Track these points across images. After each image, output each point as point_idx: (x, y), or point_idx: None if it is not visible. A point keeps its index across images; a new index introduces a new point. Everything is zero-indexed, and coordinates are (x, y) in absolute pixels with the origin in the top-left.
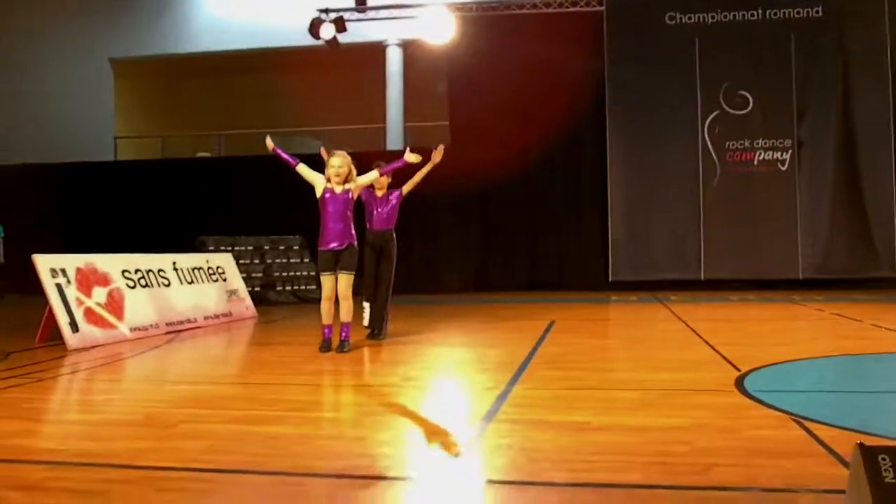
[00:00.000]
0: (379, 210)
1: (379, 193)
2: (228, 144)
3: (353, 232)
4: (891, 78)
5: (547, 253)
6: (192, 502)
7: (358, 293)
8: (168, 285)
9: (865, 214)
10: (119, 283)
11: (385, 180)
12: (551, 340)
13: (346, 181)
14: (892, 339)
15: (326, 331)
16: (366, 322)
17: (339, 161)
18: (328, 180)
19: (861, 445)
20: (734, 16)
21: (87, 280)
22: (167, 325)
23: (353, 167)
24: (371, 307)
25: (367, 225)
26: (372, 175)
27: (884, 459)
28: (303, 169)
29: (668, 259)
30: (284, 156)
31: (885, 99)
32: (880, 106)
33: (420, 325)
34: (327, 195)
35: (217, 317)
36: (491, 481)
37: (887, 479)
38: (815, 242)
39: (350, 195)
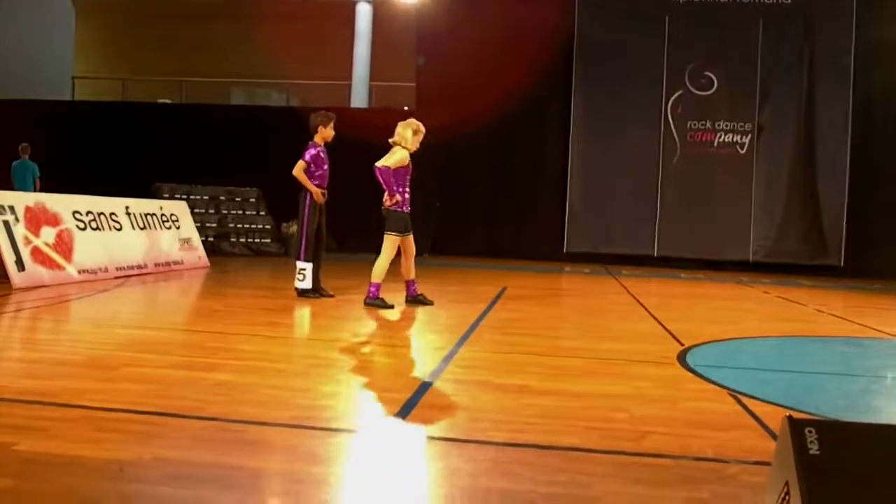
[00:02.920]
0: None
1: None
2: (190, 91)
3: None
4: (853, 72)
5: (504, 220)
6: (131, 443)
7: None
8: (120, 229)
9: (818, 203)
10: (69, 224)
11: None
12: (501, 306)
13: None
14: (833, 323)
15: (415, 286)
16: (308, 284)
17: None
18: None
19: (789, 418)
20: None
21: (37, 219)
22: (117, 269)
23: None
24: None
25: (321, 183)
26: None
27: (810, 432)
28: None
29: (623, 234)
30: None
31: (845, 92)
32: (841, 99)
33: None
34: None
35: (168, 264)
36: (432, 437)
37: (812, 451)
38: (768, 227)
39: None
